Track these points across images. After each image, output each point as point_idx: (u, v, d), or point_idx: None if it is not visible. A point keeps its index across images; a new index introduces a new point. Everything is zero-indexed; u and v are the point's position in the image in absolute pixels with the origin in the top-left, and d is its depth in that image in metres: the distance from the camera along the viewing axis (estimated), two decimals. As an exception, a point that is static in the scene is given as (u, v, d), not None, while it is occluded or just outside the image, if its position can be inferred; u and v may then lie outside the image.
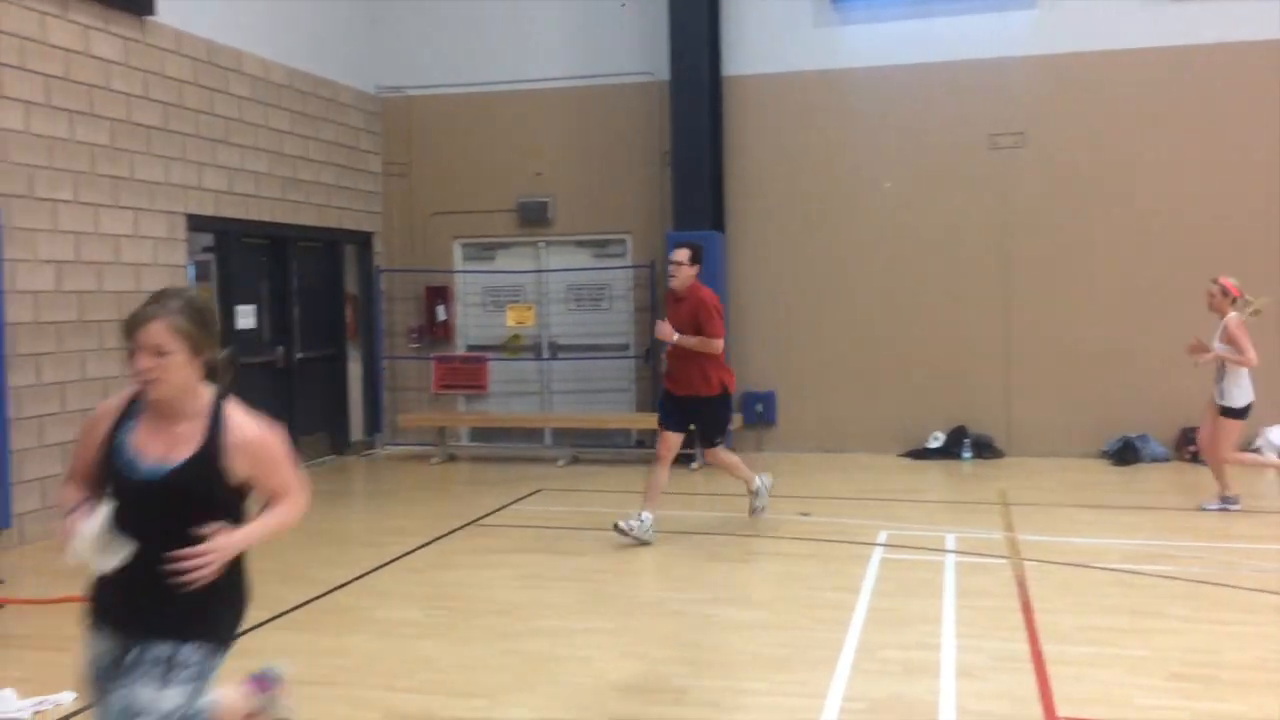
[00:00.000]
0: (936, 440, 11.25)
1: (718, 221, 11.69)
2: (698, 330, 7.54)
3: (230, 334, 10.34)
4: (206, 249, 10.52)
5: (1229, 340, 8.09)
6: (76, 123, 8.36)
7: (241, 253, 10.54)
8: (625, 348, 12.37)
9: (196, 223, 9.72)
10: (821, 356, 11.76)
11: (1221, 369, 8.17)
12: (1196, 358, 8.25)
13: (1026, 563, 6.87)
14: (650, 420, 11.79)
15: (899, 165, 11.57)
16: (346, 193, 12.10)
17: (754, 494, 8.12)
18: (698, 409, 7.77)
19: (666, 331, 7.59)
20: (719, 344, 7.57)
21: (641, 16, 12.03)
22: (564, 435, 12.16)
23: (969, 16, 11.29)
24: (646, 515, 7.47)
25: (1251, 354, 7.96)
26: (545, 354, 12.63)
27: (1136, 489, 9.53)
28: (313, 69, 11.45)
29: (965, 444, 11.15)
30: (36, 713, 4.57)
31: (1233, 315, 8.14)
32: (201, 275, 10.88)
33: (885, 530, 7.83)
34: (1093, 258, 11.06)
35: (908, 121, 11.53)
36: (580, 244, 12.60)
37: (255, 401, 10.68)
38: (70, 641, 5.47)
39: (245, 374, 10.50)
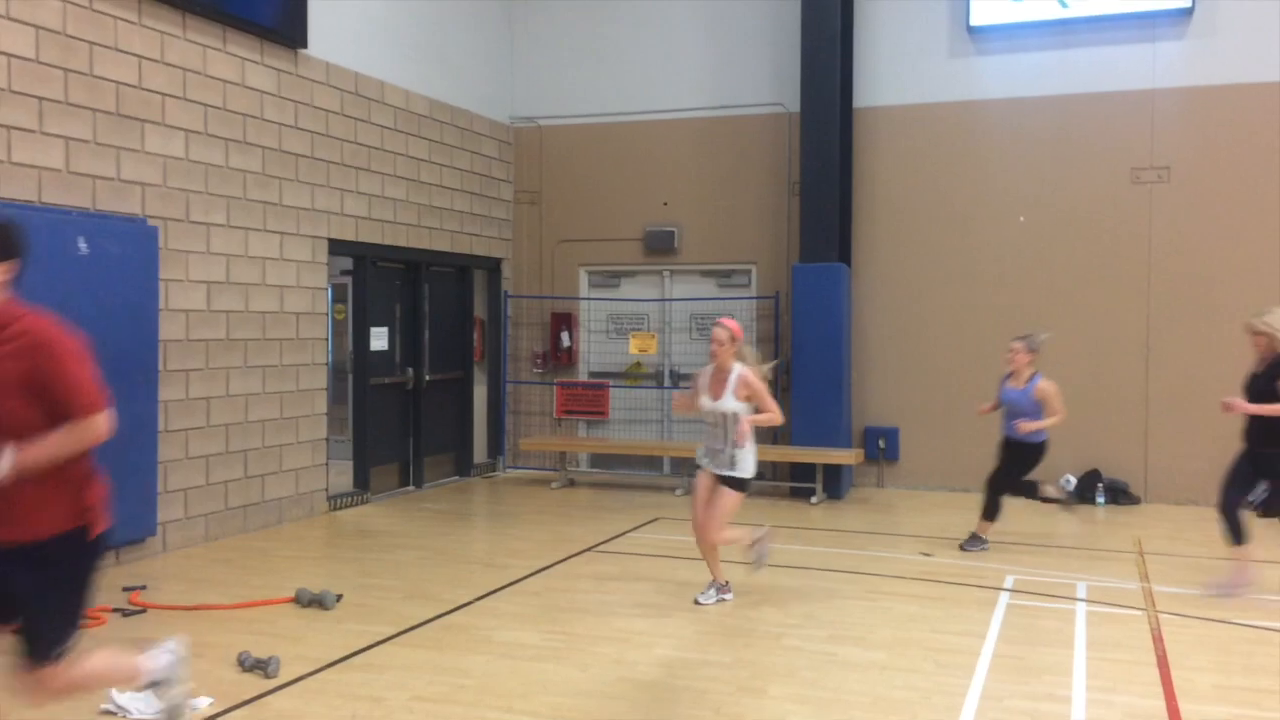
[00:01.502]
0: (1068, 484, 10.87)
1: (844, 253, 11.59)
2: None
3: (364, 355, 10.72)
4: (345, 272, 10.94)
5: None
6: (231, 150, 8.80)
7: (377, 276, 10.91)
8: (747, 378, 12.32)
9: (337, 247, 10.11)
10: (947, 392, 11.52)
11: None
12: None
13: (1163, 615, 6.58)
14: (771, 452, 11.73)
15: (1034, 199, 11.30)
16: (479, 219, 12.42)
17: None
18: None
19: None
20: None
21: (773, 48, 12.07)
22: (682, 464, 12.15)
23: (1113, 47, 10.99)
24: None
25: None
26: (666, 382, 12.69)
27: (1285, 543, 9.03)
28: (451, 99, 11.82)
29: (1099, 489, 10.75)
30: (176, 714, 4.76)
31: None
32: (339, 297, 11.32)
33: (1012, 575, 7.61)
34: (1238, 297, 10.55)
35: (1044, 154, 11.25)
36: (705, 273, 12.65)
37: (384, 421, 10.95)
38: (207, 647, 5.74)
39: (376, 393, 10.88)
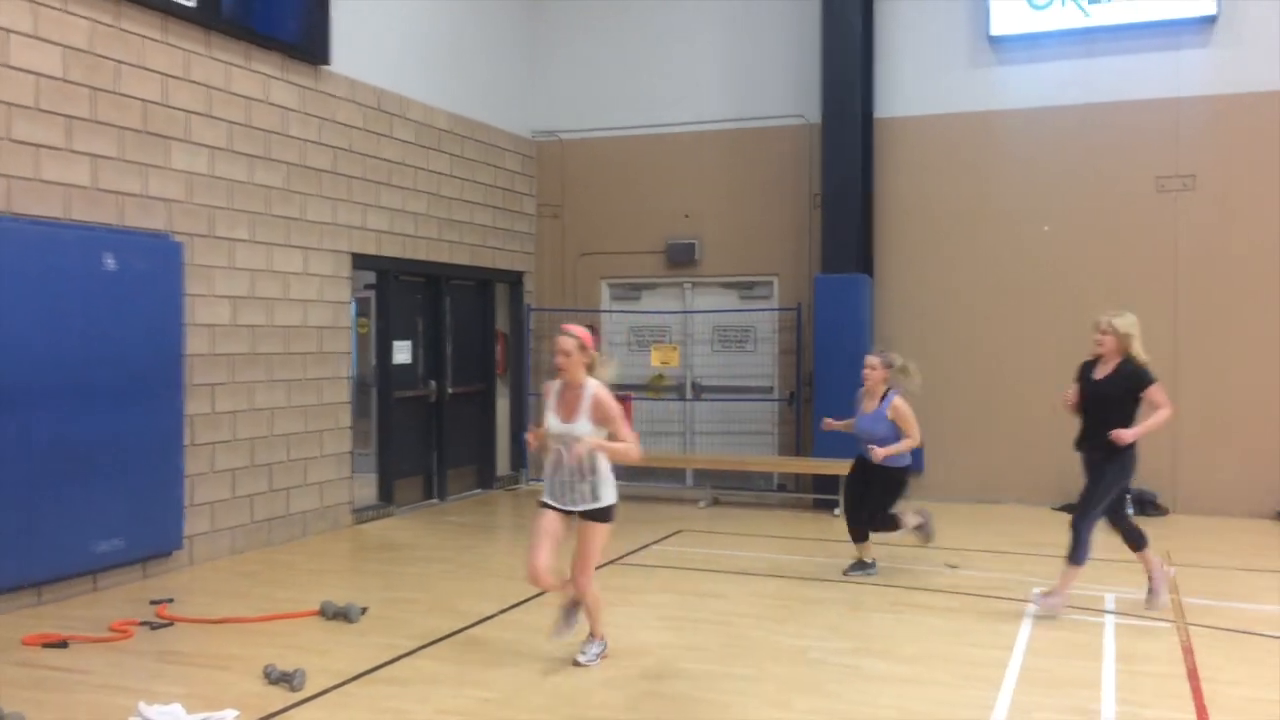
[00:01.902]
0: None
1: (865, 264, 11.55)
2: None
3: (387, 368, 10.76)
4: (368, 286, 10.99)
5: None
6: (255, 166, 8.87)
7: (399, 290, 10.95)
8: (769, 390, 12.31)
9: (360, 261, 10.16)
10: (973, 404, 11.45)
11: None
12: None
13: (1193, 628, 6.50)
14: (794, 464, 11.70)
15: (1058, 209, 11.23)
16: (500, 233, 12.46)
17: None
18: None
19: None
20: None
21: (794, 59, 12.07)
22: (705, 476, 12.14)
23: (1137, 56, 10.93)
24: None
25: None
26: (689, 394, 12.67)
27: (1317, 554, 8.92)
28: (473, 114, 11.88)
29: (1126, 500, 10.61)
30: (202, 727, 4.78)
31: None
32: (362, 311, 11.37)
33: (1039, 587, 7.53)
34: (1267, 306, 10.47)
35: (1068, 164, 11.19)
36: (726, 285, 12.64)
37: (408, 434, 10.99)
38: (234, 660, 5.77)
39: (399, 407, 10.92)
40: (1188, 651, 6.02)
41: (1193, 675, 5.59)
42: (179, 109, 8.16)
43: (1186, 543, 9.29)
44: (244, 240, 8.76)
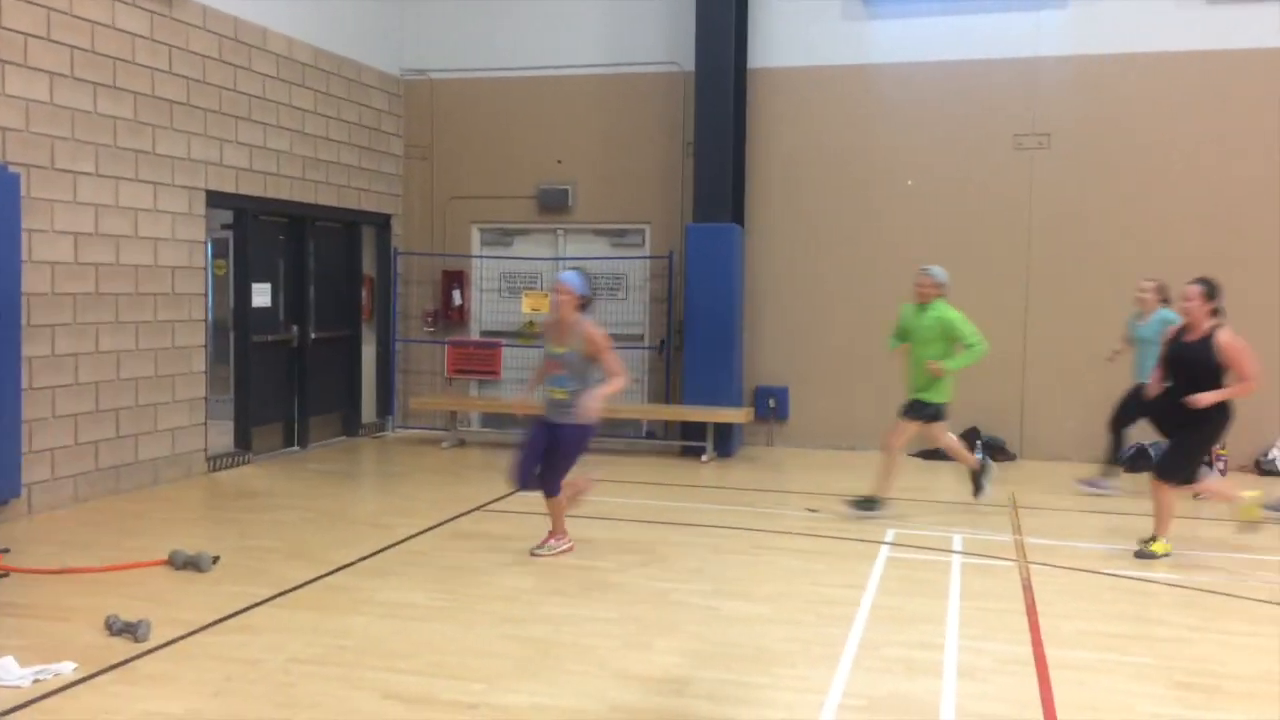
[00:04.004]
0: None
1: (737, 214, 11.64)
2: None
3: (245, 312, 10.39)
4: (225, 226, 10.56)
5: None
6: (100, 95, 8.38)
7: (260, 231, 10.55)
8: (640, 338, 12.35)
9: (216, 199, 9.74)
10: (836, 353, 11.72)
11: None
12: None
13: (1033, 566, 6.82)
14: (663, 411, 11.80)
15: (922, 163, 11.50)
16: (367, 174, 12.11)
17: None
18: None
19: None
20: None
21: (669, 6, 11.99)
22: (575, 423, 12.11)
23: (1000, 15, 11.21)
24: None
25: None
26: (559, 342, 12.60)
27: (1147, 496, 9.42)
28: (337, 49, 11.45)
29: (977, 446, 11.07)
30: (36, 681, 4.57)
31: None
32: (219, 252, 10.92)
33: (893, 529, 7.80)
34: (1113, 262, 10.96)
35: (933, 119, 11.45)
36: (599, 232, 12.57)
37: (268, 380, 10.63)
38: (72, 612, 5.53)
39: (258, 351, 10.57)
40: (1027, 588, 6.32)
41: (1031, 610, 5.88)
42: (14, 30, 7.63)
43: (1031, 486, 9.74)
44: (88, 173, 8.29)
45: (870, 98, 11.62)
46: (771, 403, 11.87)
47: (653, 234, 12.34)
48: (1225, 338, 6.89)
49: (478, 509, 8.40)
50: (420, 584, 6.30)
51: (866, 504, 8.25)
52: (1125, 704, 4.59)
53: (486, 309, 12.89)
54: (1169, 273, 10.73)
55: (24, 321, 7.65)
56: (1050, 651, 5.19)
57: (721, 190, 11.37)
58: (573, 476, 7.10)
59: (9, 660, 4.67)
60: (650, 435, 12.22)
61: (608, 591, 6.21)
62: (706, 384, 11.25)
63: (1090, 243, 11.05)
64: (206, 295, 9.71)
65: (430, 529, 7.67)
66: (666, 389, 12.06)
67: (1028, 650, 5.22)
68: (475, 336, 12.83)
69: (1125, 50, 10.90)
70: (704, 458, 10.97)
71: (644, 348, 12.28)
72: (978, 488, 8.63)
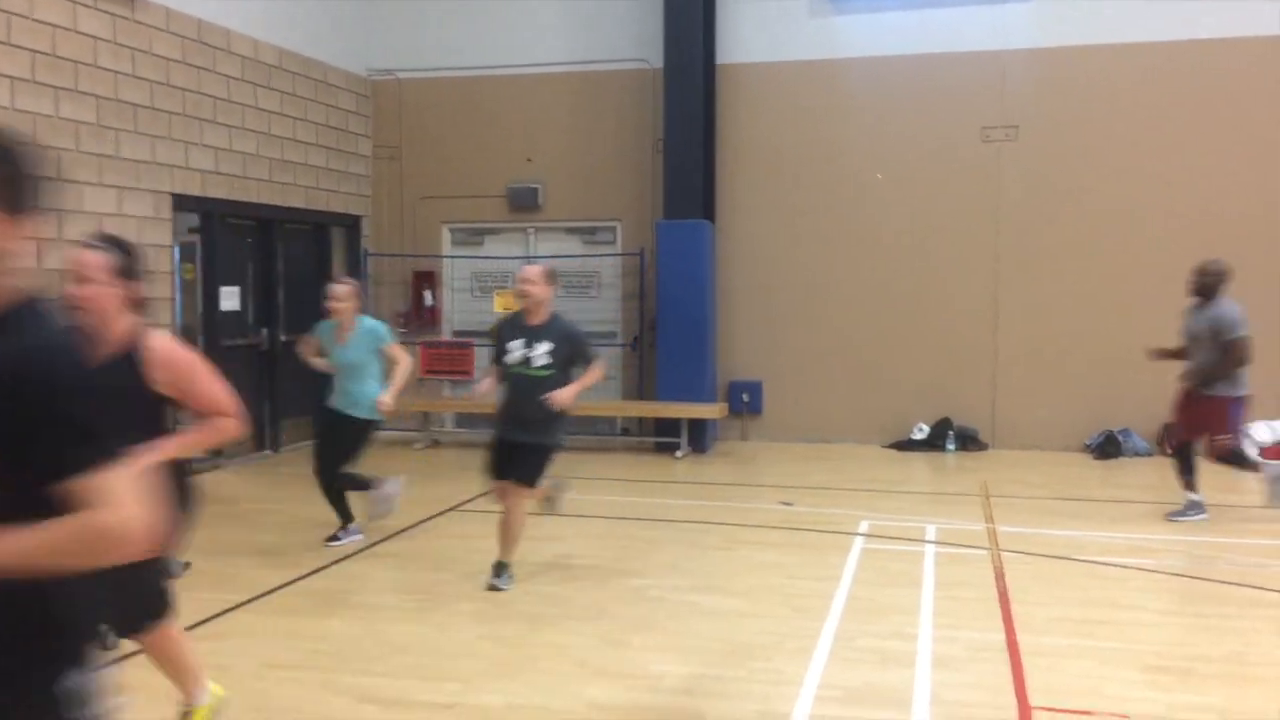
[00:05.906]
0: (921, 432, 11.26)
1: (708, 210, 11.66)
2: None
3: (214, 316, 10.31)
4: (192, 230, 10.45)
5: None
6: (61, 99, 8.29)
7: (227, 234, 10.47)
8: (613, 335, 12.35)
9: (182, 203, 9.66)
10: (809, 347, 11.76)
11: None
12: None
13: (1005, 554, 6.88)
14: (637, 408, 11.81)
15: (891, 157, 11.55)
16: (335, 175, 12.03)
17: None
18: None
19: None
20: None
21: (637, 3, 11.98)
22: (550, 422, 12.10)
23: (966, 8, 11.27)
24: None
25: None
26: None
27: (1117, 483, 9.56)
28: (303, 50, 11.37)
29: (950, 436, 11.17)
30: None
31: None
32: (186, 256, 10.81)
33: (867, 520, 7.84)
34: (1082, 253, 11.06)
35: (901, 113, 11.51)
36: (570, 230, 12.56)
37: (238, 384, 10.55)
38: None
39: (227, 356, 10.47)
40: (1000, 576, 6.37)
41: (1003, 598, 5.93)
42: (-29, 35, 7.55)
43: (1003, 475, 9.81)
44: (50, 178, 8.18)
45: (838, 92, 11.66)
46: (745, 397, 11.91)
47: (624, 231, 12.34)
48: None
49: (451, 510, 8.38)
50: (395, 586, 6.28)
51: None
52: (1097, 688, 4.63)
53: (458, 309, 12.84)
54: (1140, 264, 10.87)
55: (-12, 329, 7.55)
56: (1023, 638, 5.24)
57: (692, 186, 11.38)
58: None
59: None
60: (625, 432, 12.23)
61: (583, 589, 6.21)
62: (680, 380, 11.27)
63: (1059, 233, 11.14)
64: (174, 300, 9.63)
65: (404, 530, 7.64)
66: (640, 385, 12.07)
67: (1001, 638, 5.27)
68: (447, 337, 12.78)
69: (1092, 42, 10.98)
70: (678, 453, 10.99)
71: (618, 345, 12.28)
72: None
